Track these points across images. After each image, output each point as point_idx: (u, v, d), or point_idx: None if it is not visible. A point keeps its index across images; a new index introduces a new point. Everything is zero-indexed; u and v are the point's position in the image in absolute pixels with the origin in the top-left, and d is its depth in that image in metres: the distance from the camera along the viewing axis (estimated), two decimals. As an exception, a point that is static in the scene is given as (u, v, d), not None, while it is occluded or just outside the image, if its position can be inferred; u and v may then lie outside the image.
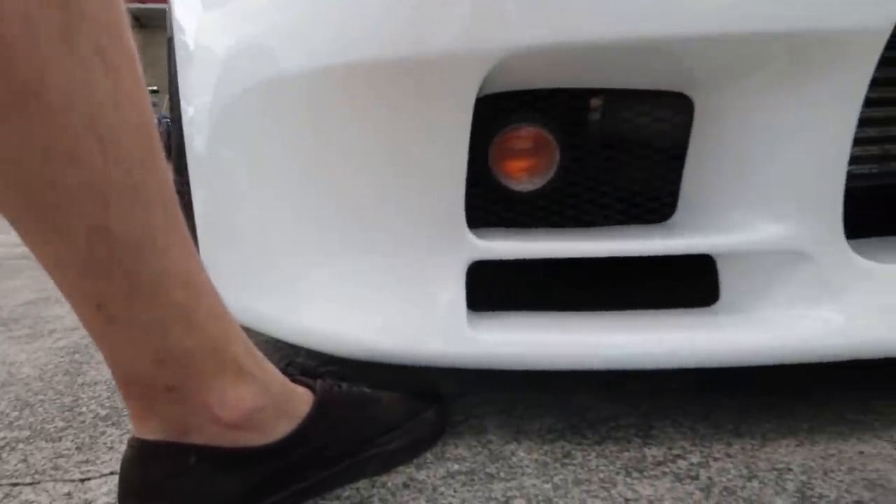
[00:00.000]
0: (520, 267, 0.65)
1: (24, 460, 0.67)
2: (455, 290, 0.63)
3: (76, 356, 1.02)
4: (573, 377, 0.73)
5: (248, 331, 0.58)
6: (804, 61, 0.56)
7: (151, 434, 0.50)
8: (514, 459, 0.63)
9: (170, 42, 0.84)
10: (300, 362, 0.65)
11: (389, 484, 0.60)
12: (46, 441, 0.71)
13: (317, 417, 0.57)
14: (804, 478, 0.58)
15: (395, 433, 0.63)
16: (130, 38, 0.42)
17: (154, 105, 0.52)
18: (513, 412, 0.73)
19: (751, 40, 0.55)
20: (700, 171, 0.64)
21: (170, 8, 0.84)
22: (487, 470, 0.61)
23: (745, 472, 0.60)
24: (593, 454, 0.64)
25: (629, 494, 0.57)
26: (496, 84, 0.59)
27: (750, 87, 0.59)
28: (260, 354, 0.55)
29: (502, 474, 0.60)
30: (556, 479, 0.59)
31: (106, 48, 0.40)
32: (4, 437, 0.73)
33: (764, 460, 0.61)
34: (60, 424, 0.76)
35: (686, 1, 0.54)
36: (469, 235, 0.62)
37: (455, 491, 0.58)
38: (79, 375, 0.93)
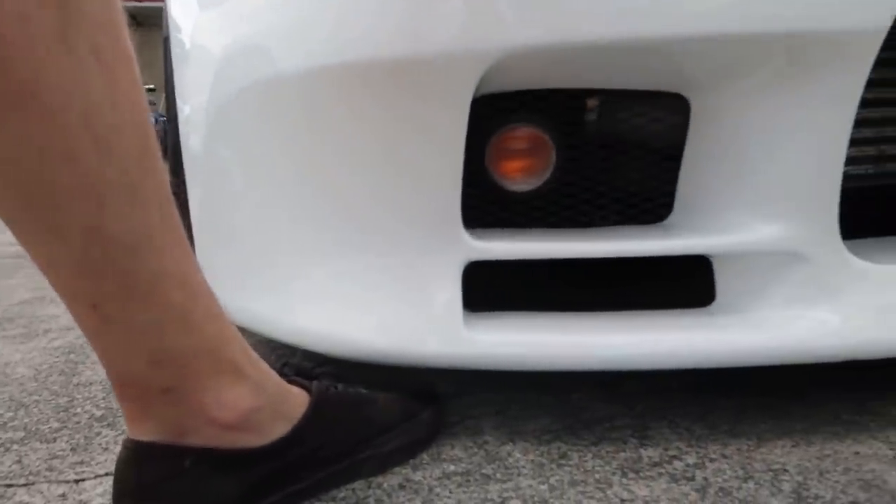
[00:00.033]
0: (516, 267, 0.65)
1: (19, 461, 0.66)
2: (451, 291, 0.63)
3: (71, 356, 1.02)
4: (570, 377, 0.73)
5: (244, 331, 0.58)
6: (800, 62, 0.56)
7: (147, 435, 0.50)
8: (511, 460, 0.63)
9: (166, 41, 0.84)
10: (296, 363, 0.65)
11: (385, 485, 0.60)
12: (41, 442, 0.71)
13: (313, 418, 0.57)
14: (800, 478, 0.58)
15: (391, 434, 0.62)
16: (127, 37, 0.42)
17: (151, 104, 0.51)
18: (509, 413, 0.73)
19: (747, 41, 0.56)
20: (696, 172, 0.64)
21: (166, 7, 0.84)
22: (483, 471, 0.61)
23: (740, 472, 0.60)
24: (589, 455, 0.64)
25: (625, 495, 0.57)
26: (492, 84, 0.59)
27: (746, 88, 0.59)
28: (256, 355, 0.55)
29: (498, 475, 0.60)
30: (552, 480, 0.59)
31: (103, 48, 0.40)
32: (-1, 438, 0.72)
33: (760, 461, 0.62)
34: (55, 425, 0.75)
35: (683, 1, 0.54)
36: (465, 236, 0.62)
37: (451, 492, 0.58)
38: (74, 376, 0.92)
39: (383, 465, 0.62)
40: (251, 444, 0.53)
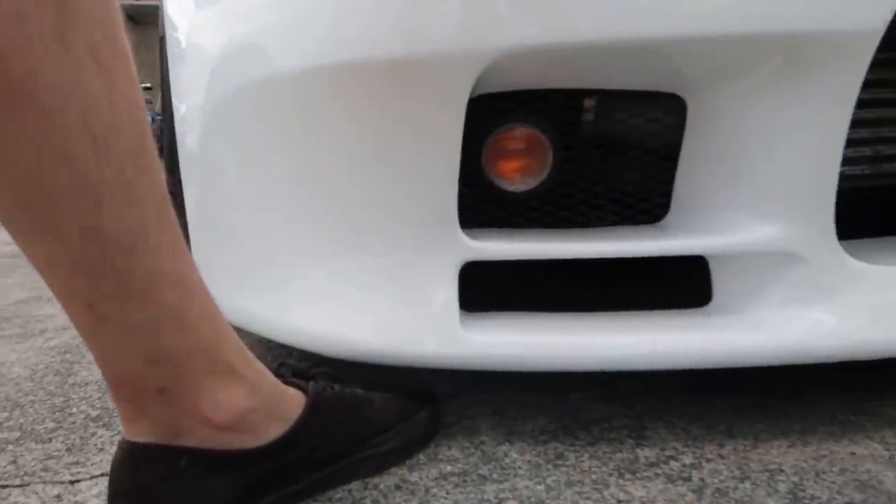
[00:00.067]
0: (513, 267, 0.65)
1: (14, 462, 0.66)
2: (448, 291, 0.63)
3: (67, 356, 1.02)
4: (567, 378, 0.73)
5: (240, 331, 0.57)
6: (797, 62, 0.56)
7: (142, 436, 0.50)
8: (507, 461, 0.63)
9: (162, 41, 0.83)
10: (292, 364, 0.65)
11: (382, 485, 0.60)
12: (36, 442, 0.71)
13: (309, 419, 0.56)
14: (796, 479, 0.58)
15: (387, 434, 0.62)
16: (125, 35, 0.42)
17: (148, 102, 0.51)
18: (506, 413, 0.73)
19: (744, 41, 0.56)
20: (693, 172, 0.64)
21: (162, 6, 0.84)
22: (480, 471, 0.61)
23: (737, 473, 0.60)
24: (586, 455, 0.64)
25: (621, 496, 0.57)
26: (489, 84, 0.59)
27: (743, 88, 0.59)
28: (251, 355, 0.55)
29: (495, 476, 0.60)
30: (548, 481, 0.59)
31: (100, 47, 0.40)
32: (-6, 439, 0.72)
33: (756, 461, 0.62)
34: (51, 425, 0.75)
35: (679, 2, 0.54)
36: (462, 236, 0.62)
37: (447, 492, 0.58)
38: (70, 376, 0.92)
39: (380, 465, 0.62)
40: (247, 445, 0.52)
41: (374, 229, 0.63)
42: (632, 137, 0.65)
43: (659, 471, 0.60)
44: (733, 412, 0.72)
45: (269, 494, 0.54)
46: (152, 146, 0.45)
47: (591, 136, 0.65)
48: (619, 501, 0.56)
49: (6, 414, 0.79)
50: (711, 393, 0.76)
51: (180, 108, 0.74)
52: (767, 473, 0.59)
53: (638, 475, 0.60)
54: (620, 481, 0.59)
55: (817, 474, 0.59)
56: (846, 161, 0.59)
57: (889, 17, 0.54)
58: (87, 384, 0.88)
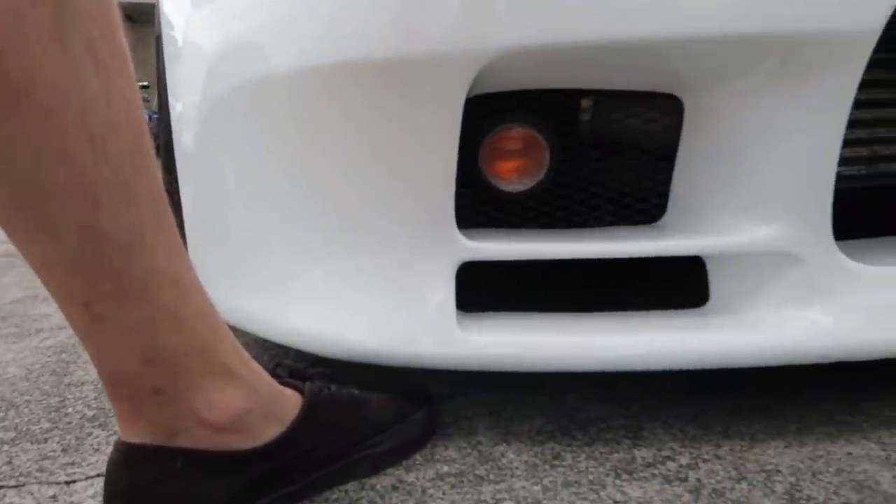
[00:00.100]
0: (510, 268, 0.65)
1: (9, 462, 0.66)
2: (444, 291, 0.63)
3: (63, 356, 1.01)
4: (565, 378, 0.73)
5: (236, 331, 0.57)
6: (794, 63, 0.56)
7: (138, 437, 0.50)
8: (504, 461, 0.63)
9: (158, 40, 0.83)
10: (289, 364, 0.65)
11: (378, 486, 0.59)
12: (32, 443, 0.70)
13: (305, 420, 0.56)
14: (792, 479, 0.58)
15: (384, 435, 0.62)
16: (122, 34, 0.42)
17: (145, 101, 0.51)
18: (503, 413, 0.73)
19: (740, 41, 0.56)
20: (690, 173, 0.64)
21: (158, 4, 0.84)
22: (477, 472, 0.61)
23: (734, 473, 0.60)
24: (583, 456, 0.64)
25: (618, 497, 0.57)
26: (486, 84, 0.59)
27: (740, 89, 0.59)
28: (248, 356, 0.55)
29: (492, 476, 0.60)
30: (545, 481, 0.59)
31: (98, 46, 0.39)
32: (-11, 439, 0.72)
33: (753, 462, 0.62)
34: (46, 425, 0.75)
35: (676, 2, 0.54)
36: (458, 236, 0.62)
37: (444, 493, 0.58)
38: (66, 375, 0.92)
39: (377, 466, 0.62)
40: (243, 446, 0.52)
41: (370, 229, 0.63)
42: (629, 138, 0.65)
43: (656, 471, 0.60)
44: (730, 412, 0.72)
45: (266, 495, 0.54)
46: (150, 145, 0.45)
47: (588, 137, 0.65)
48: (615, 502, 0.56)
49: (1, 414, 0.79)
50: (708, 393, 0.76)
51: (177, 107, 0.74)
52: (764, 474, 0.59)
53: (635, 476, 0.60)
54: (617, 482, 0.59)
55: (814, 475, 0.59)
56: (843, 161, 0.59)
57: (886, 18, 0.54)
58: (83, 384, 0.88)
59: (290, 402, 0.57)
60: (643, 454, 0.64)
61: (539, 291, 0.69)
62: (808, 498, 0.55)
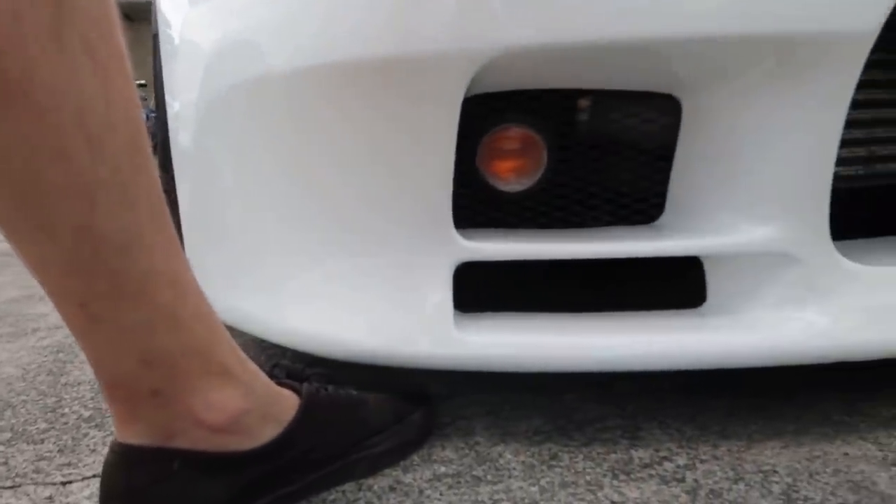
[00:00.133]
0: (508, 268, 0.65)
1: (5, 463, 0.66)
2: (442, 292, 0.63)
3: (60, 355, 1.01)
4: (563, 378, 0.73)
5: (234, 331, 0.57)
6: (791, 63, 0.56)
7: (135, 438, 0.49)
8: (502, 461, 0.63)
9: (155, 39, 0.83)
10: (286, 365, 0.65)
11: (376, 487, 0.59)
12: (28, 443, 0.70)
13: (303, 421, 0.56)
14: (790, 480, 0.58)
15: (381, 436, 0.62)
16: (120, 33, 0.42)
17: (143, 100, 0.51)
18: (500, 413, 0.73)
19: (738, 42, 0.55)
20: (687, 173, 0.64)
21: (155, 3, 0.83)
22: (474, 472, 0.61)
23: (731, 474, 0.60)
24: (580, 456, 0.64)
25: (615, 497, 0.57)
26: (484, 84, 0.59)
27: (737, 89, 0.59)
28: (245, 356, 0.54)
29: (489, 477, 0.60)
30: (542, 482, 0.59)
31: (96, 45, 0.39)
32: (-15, 439, 0.72)
33: (750, 462, 0.62)
34: (43, 426, 0.75)
35: (674, 2, 0.54)
36: (456, 236, 0.62)
37: (441, 494, 0.58)
38: (62, 375, 0.92)
39: (374, 466, 0.62)
40: (241, 447, 0.52)
41: (368, 229, 0.63)
42: (627, 138, 0.65)
43: (653, 472, 0.61)
44: (727, 413, 0.72)
45: (263, 496, 0.54)
46: (147, 145, 0.45)
47: (586, 137, 0.65)
48: (612, 503, 0.56)
49: (-2, 414, 0.79)
50: (706, 394, 0.76)
51: (173, 106, 0.74)
52: (761, 474, 0.59)
53: (632, 476, 0.60)
54: (615, 482, 0.59)
55: (811, 475, 0.59)
56: (840, 162, 0.59)
57: (883, 19, 0.54)
58: (79, 384, 0.88)
59: (287, 402, 0.57)
60: (640, 455, 0.64)
61: (537, 292, 0.69)
62: (806, 498, 0.56)
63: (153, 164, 0.45)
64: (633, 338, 0.63)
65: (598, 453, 0.64)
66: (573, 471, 0.61)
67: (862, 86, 0.56)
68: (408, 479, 0.61)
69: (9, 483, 0.62)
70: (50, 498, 0.59)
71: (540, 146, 0.65)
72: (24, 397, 0.84)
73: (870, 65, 0.56)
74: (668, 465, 0.62)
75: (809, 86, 0.57)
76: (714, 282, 0.65)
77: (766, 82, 0.58)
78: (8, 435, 0.73)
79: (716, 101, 0.60)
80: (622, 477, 0.60)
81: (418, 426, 0.66)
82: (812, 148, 0.59)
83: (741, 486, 0.58)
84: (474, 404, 0.75)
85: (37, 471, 0.64)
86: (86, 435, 0.72)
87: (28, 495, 0.60)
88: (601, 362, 0.63)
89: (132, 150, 0.43)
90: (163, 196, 0.46)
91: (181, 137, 0.72)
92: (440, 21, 0.55)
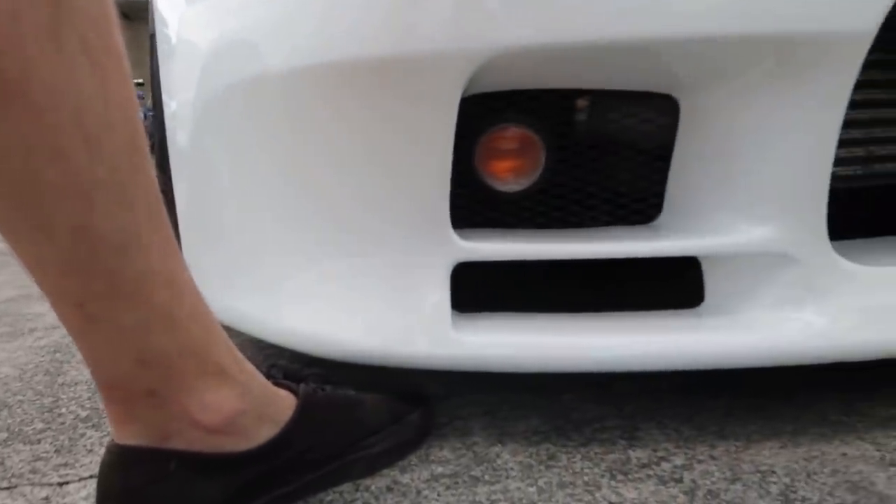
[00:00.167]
0: (505, 268, 0.65)
1: (1, 463, 0.66)
2: (439, 292, 0.63)
3: (57, 355, 1.01)
4: (562, 378, 0.73)
5: (231, 331, 0.57)
6: (790, 63, 0.56)
7: (131, 439, 0.49)
8: (499, 462, 0.63)
9: (152, 38, 0.83)
10: (283, 365, 0.65)
11: (373, 487, 0.59)
12: (24, 443, 0.70)
13: (300, 421, 0.56)
14: (787, 480, 0.58)
15: (379, 436, 0.62)
16: (119, 33, 0.42)
17: (140, 98, 0.51)
18: (498, 413, 0.73)
19: (737, 42, 0.55)
20: (685, 173, 0.64)
21: (152, 2, 0.83)
22: (472, 473, 0.61)
23: (728, 474, 0.60)
24: (578, 456, 0.64)
25: (613, 498, 0.56)
26: (482, 84, 0.59)
27: (735, 89, 0.59)
28: (242, 357, 0.54)
29: (487, 477, 0.60)
30: (540, 482, 0.59)
31: (93, 45, 0.39)
32: (-18, 440, 0.71)
33: (748, 462, 0.62)
34: (39, 426, 0.74)
35: (672, 2, 0.54)
36: (454, 236, 0.62)
37: (439, 494, 0.58)
38: (59, 375, 0.91)
39: (371, 467, 0.61)
40: (237, 448, 0.52)
41: (365, 229, 0.63)
42: (625, 138, 0.65)
43: (651, 472, 0.60)
44: (725, 413, 0.72)
45: (260, 497, 0.54)
46: (145, 144, 0.44)
47: (584, 137, 0.65)
48: (610, 503, 0.56)
49: (-6, 414, 0.78)
50: (704, 394, 0.76)
51: (170, 105, 0.74)
52: (759, 475, 0.59)
53: (630, 476, 0.60)
54: (612, 483, 0.59)
55: (809, 475, 0.59)
56: (839, 161, 0.59)
57: (881, 19, 0.54)
58: (76, 384, 0.88)
59: (284, 403, 0.57)
60: (638, 455, 0.64)
61: (535, 292, 0.69)
62: (803, 499, 0.55)
63: (151, 163, 0.45)
64: (631, 338, 0.63)
65: (596, 453, 0.64)
66: (571, 471, 0.61)
67: (860, 86, 0.56)
68: (405, 479, 0.60)
69: (5, 484, 0.62)
70: (46, 499, 0.59)
71: (538, 146, 0.64)
72: (20, 397, 0.84)
73: (868, 65, 0.55)
74: (665, 465, 0.62)
75: (807, 86, 0.57)
76: (712, 282, 0.65)
77: (764, 82, 0.57)
78: (4, 435, 0.72)
79: (714, 101, 0.60)
80: (620, 477, 0.60)
81: (416, 426, 0.66)
82: (810, 148, 0.59)
83: (739, 486, 0.58)
84: (472, 404, 0.75)
85: (33, 471, 0.64)
86: (83, 435, 0.72)
87: (24, 496, 0.59)
88: (599, 362, 0.63)
89: (130, 149, 0.43)
90: (160, 196, 0.46)
91: (178, 137, 0.72)
92: (438, 20, 0.55)
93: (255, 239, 0.67)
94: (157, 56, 0.79)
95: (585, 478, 0.60)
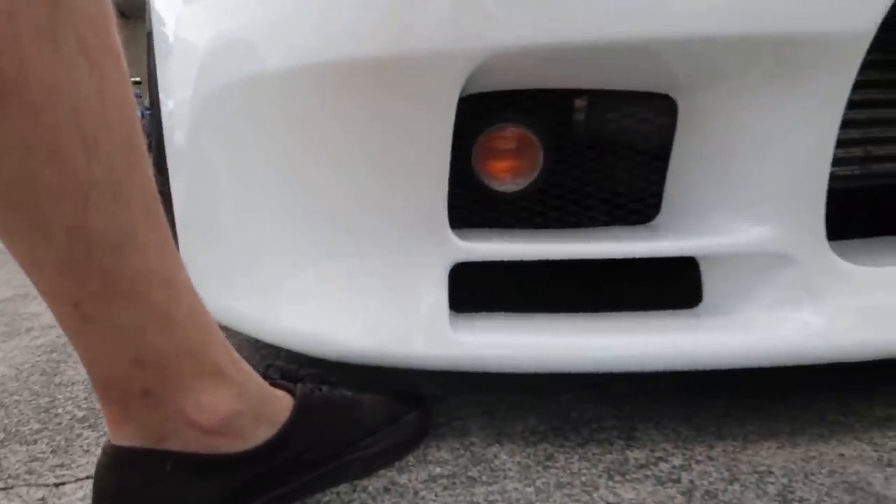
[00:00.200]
0: (503, 268, 0.65)
1: (-2, 464, 0.65)
2: (437, 292, 0.62)
3: (53, 355, 1.01)
4: (560, 378, 0.73)
5: (228, 331, 0.57)
6: (788, 63, 0.56)
7: (127, 440, 0.49)
8: (497, 462, 0.63)
9: (149, 37, 0.82)
10: (280, 365, 0.64)
11: (370, 488, 0.59)
12: (21, 444, 0.70)
13: (297, 422, 0.56)
14: (785, 480, 0.58)
15: (376, 436, 0.62)
16: (116, 32, 0.42)
17: (137, 97, 0.51)
18: (496, 414, 0.73)
19: (735, 42, 0.55)
20: (684, 173, 0.64)
21: (149, 1, 0.83)
22: (469, 473, 0.61)
23: (726, 474, 0.60)
24: (576, 457, 0.64)
25: (611, 498, 0.56)
26: (480, 84, 0.59)
27: (734, 89, 0.59)
28: (238, 357, 0.54)
29: (484, 478, 0.60)
30: (538, 483, 0.59)
31: (91, 44, 0.39)
32: (-22, 440, 0.71)
33: (745, 463, 0.61)
34: (36, 426, 0.74)
35: (671, 2, 0.54)
36: (451, 236, 0.61)
37: (437, 495, 0.58)
38: (56, 375, 0.91)
39: (369, 467, 0.61)
40: (233, 449, 0.52)
41: (363, 229, 0.63)
42: (623, 138, 0.65)
43: (649, 472, 0.60)
44: (723, 413, 0.72)
45: (257, 498, 0.54)
46: (143, 143, 0.44)
47: (582, 137, 0.65)
48: (608, 503, 0.56)
49: (-10, 414, 0.78)
50: (702, 394, 0.76)
51: (168, 104, 0.73)
52: (757, 475, 0.59)
53: (627, 477, 0.60)
54: (610, 483, 0.59)
55: (806, 476, 0.59)
56: (837, 162, 0.59)
57: (880, 19, 0.54)
58: (73, 384, 0.87)
59: (281, 403, 0.56)
60: (636, 455, 0.64)
61: (533, 292, 0.69)
62: (801, 499, 0.55)
63: (148, 162, 0.45)
64: (629, 338, 0.63)
65: (594, 454, 0.64)
66: (569, 471, 0.61)
67: (858, 86, 0.56)
68: (403, 479, 0.60)
69: (1, 484, 0.61)
70: (42, 499, 0.59)
71: (536, 146, 0.64)
72: (17, 397, 0.83)
73: (866, 65, 0.55)
74: (663, 465, 0.62)
75: (806, 86, 0.57)
76: (710, 282, 0.65)
77: (763, 82, 0.57)
78: (1, 436, 0.72)
79: (712, 101, 0.60)
80: (618, 478, 0.60)
81: (413, 427, 0.66)
82: (808, 148, 0.59)
83: (737, 486, 0.58)
84: (470, 405, 0.75)
85: (29, 472, 0.64)
86: (79, 435, 0.71)
87: (20, 497, 0.59)
88: (597, 363, 0.63)
89: (127, 148, 0.42)
90: (157, 195, 0.46)
91: (175, 136, 0.72)
92: (435, 20, 0.55)
93: (252, 239, 0.67)
94: (154, 54, 0.78)
95: (583, 478, 0.60)
